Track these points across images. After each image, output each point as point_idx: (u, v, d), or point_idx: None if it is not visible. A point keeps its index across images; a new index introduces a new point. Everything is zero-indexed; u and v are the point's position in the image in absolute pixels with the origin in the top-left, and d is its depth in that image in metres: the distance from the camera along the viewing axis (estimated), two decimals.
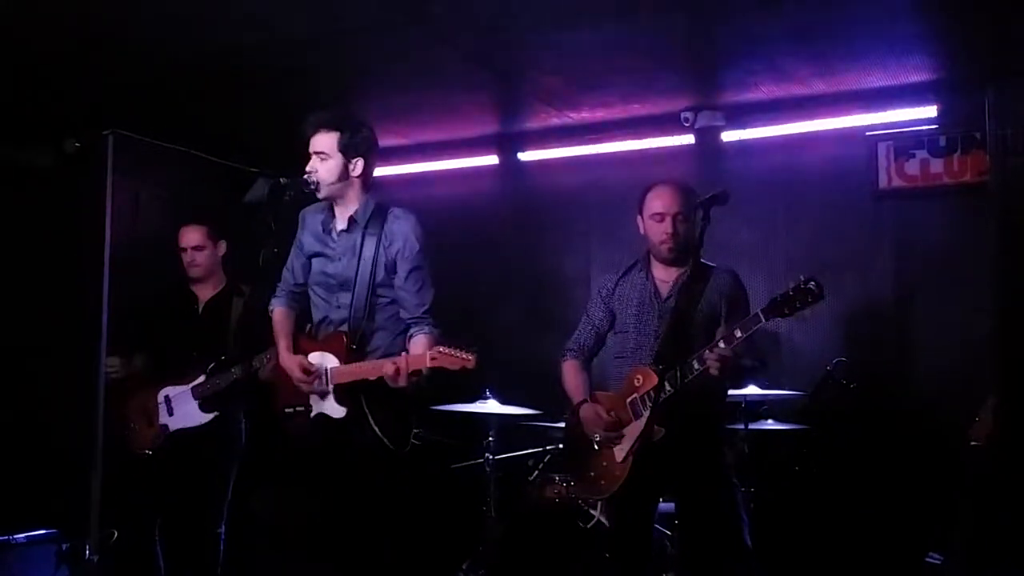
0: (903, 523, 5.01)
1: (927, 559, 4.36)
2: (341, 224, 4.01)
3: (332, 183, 3.92)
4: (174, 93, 5.41)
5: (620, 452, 3.88)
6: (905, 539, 4.90)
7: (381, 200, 4.04)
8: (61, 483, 5.58)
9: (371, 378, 3.78)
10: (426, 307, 3.90)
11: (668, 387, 3.69)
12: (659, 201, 3.99)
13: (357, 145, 3.95)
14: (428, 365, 3.67)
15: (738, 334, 3.65)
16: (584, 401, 4.06)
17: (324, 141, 3.91)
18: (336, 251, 4.01)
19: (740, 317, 3.86)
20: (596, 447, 3.96)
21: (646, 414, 3.77)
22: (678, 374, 3.71)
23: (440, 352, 3.65)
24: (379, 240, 3.94)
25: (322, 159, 3.91)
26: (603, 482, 3.94)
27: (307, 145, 3.95)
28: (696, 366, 3.69)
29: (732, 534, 3.83)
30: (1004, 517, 3.98)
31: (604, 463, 3.93)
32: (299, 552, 4.52)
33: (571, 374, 4.19)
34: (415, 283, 3.92)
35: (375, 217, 3.98)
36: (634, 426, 3.85)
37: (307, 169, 3.91)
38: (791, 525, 5.04)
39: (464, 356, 3.64)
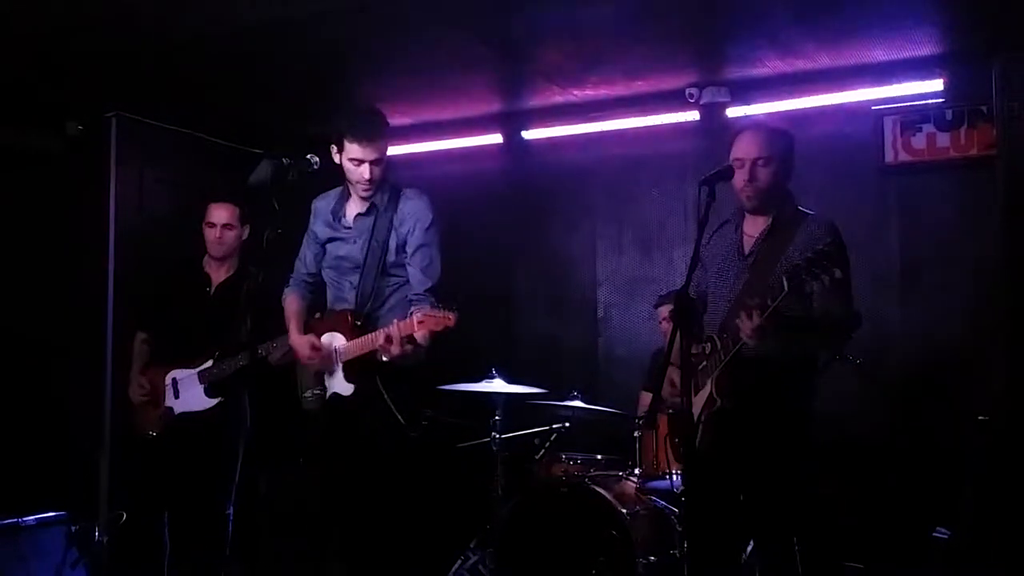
0: (910, 497, 5.02)
1: (934, 534, 4.36)
2: (357, 208, 4.06)
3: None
4: (177, 75, 5.39)
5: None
6: (912, 514, 4.91)
7: (394, 181, 4.09)
8: (70, 465, 5.61)
9: (369, 350, 3.82)
10: (429, 285, 3.92)
11: (723, 356, 3.57)
12: (738, 146, 3.77)
13: (388, 138, 4.02)
14: (416, 329, 3.68)
15: (769, 303, 3.41)
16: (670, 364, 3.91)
17: (381, 148, 3.95)
18: (350, 234, 4.06)
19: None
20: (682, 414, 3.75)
21: (709, 384, 3.66)
22: (731, 342, 3.56)
23: (425, 315, 3.66)
24: (391, 221, 3.99)
25: (379, 165, 3.96)
26: (682, 449, 3.86)
27: (331, 139, 3.96)
28: (740, 335, 3.48)
29: (775, 521, 3.69)
30: (1011, 491, 3.98)
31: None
32: (308, 533, 4.55)
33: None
34: (422, 260, 3.95)
35: (389, 198, 4.03)
36: (701, 395, 3.72)
37: (365, 177, 3.92)
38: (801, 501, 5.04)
39: (444, 315, 3.65)
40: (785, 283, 3.35)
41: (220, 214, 4.93)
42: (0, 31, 4.71)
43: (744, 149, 3.76)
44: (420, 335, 3.74)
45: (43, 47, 4.98)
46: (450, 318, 3.65)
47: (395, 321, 3.76)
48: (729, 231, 3.92)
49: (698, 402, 3.72)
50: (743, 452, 3.69)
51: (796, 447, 3.69)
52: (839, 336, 3.73)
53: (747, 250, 3.81)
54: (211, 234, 4.93)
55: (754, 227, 3.83)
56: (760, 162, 3.73)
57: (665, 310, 5.29)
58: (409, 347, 3.75)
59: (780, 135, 3.83)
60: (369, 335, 3.85)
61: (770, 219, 3.77)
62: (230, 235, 4.94)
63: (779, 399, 3.66)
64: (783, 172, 3.79)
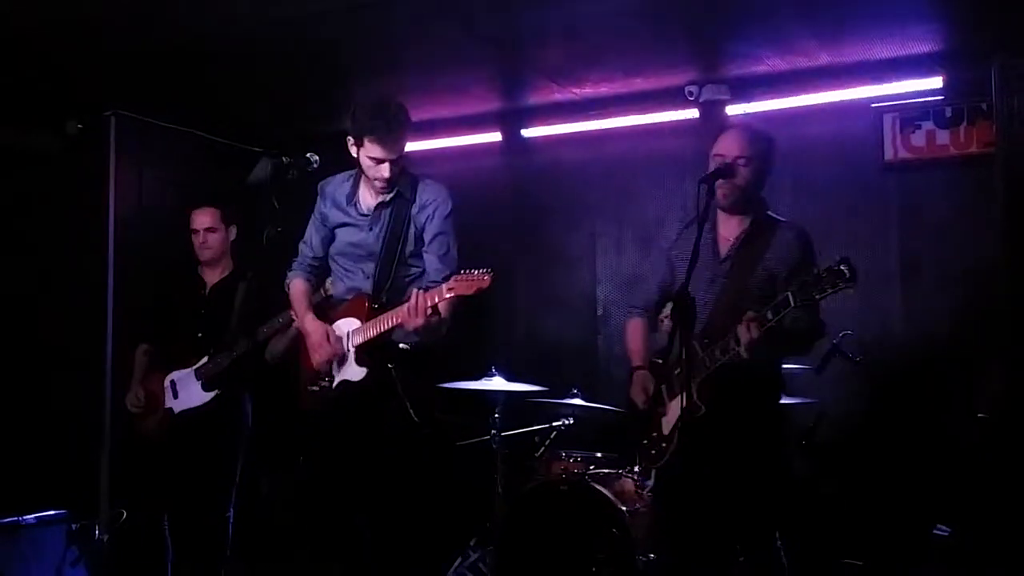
0: (910, 495, 5.02)
1: (934, 531, 4.36)
2: (375, 196, 3.97)
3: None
4: (176, 74, 5.39)
5: (667, 425, 3.77)
6: (912, 511, 4.91)
7: (413, 171, 4.04)
8: (70, 465, 5.61)
9: (387, 329, 3.75)
10: (447, 274, 3.81)
11: (707, 364, 3.57)
12: (720, 144, 3.78)
13: (409, 134, 3.91)
14: (444, 296, 3.58)
15: (769, 316, 3.42)
16: (639, 368, 3.94)
17: (401, 146, 3.84)
18: (365, 221, 3.99)
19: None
20: (649, 415, 3.85)
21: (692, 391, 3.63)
22: (716, 352, 3.56)
23: (457, 279, 3.55)
24: (410, 210, 3.94)
25: (398, 164, 3.86)
26: (653, 452, 3.83)
27: (346, 137, 3.88)
28: (733, 345, 3.50)
29: (758, 521, 3.72)
30: (1011, 490, 3.98)
31: (654, 433, 3.83)
32: (308, 532, 4.54)
33: (632, 334, 4.05)
34: (439, 247, 3.91)
35: (409, 188, 3.98)
36: (677, 401, 3.71)
37: (384, 176, 3.83)
38: (798, 499, 5.05)
39: (479, 275, 3.52)
40: (792, 299, 3.37)
41: (201, 219, 4.94)
42: (0, 31, 4.71)
43: (725, 147, 3.77)
44: (444, 305, 3.66)
45: (43, 47, 4.98)
46: (486, 279, 3.51)
47: (415, 291, 3.65)
48: (704, 229, 3.85)
49: (675, 408, 3.74)
50: (723, 455, 3.71)
51: (773, 446, 3.77)
52: (811, 344, 3.83)
53: (723, 254, 3.81)
54: (196, 240, 4.96)
55: (729, 229, 3.84)
56: (740, 161, 3.73)
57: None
58: (434, 318, 3.66)
59: (762, 137, 3.83)
60: (388, 312, 3.76)
61: (747, 223, 3.79)
62: (214, 238, 4.95)
63: (756, 402, 3.73)
64: (761, 174, 3.79)
